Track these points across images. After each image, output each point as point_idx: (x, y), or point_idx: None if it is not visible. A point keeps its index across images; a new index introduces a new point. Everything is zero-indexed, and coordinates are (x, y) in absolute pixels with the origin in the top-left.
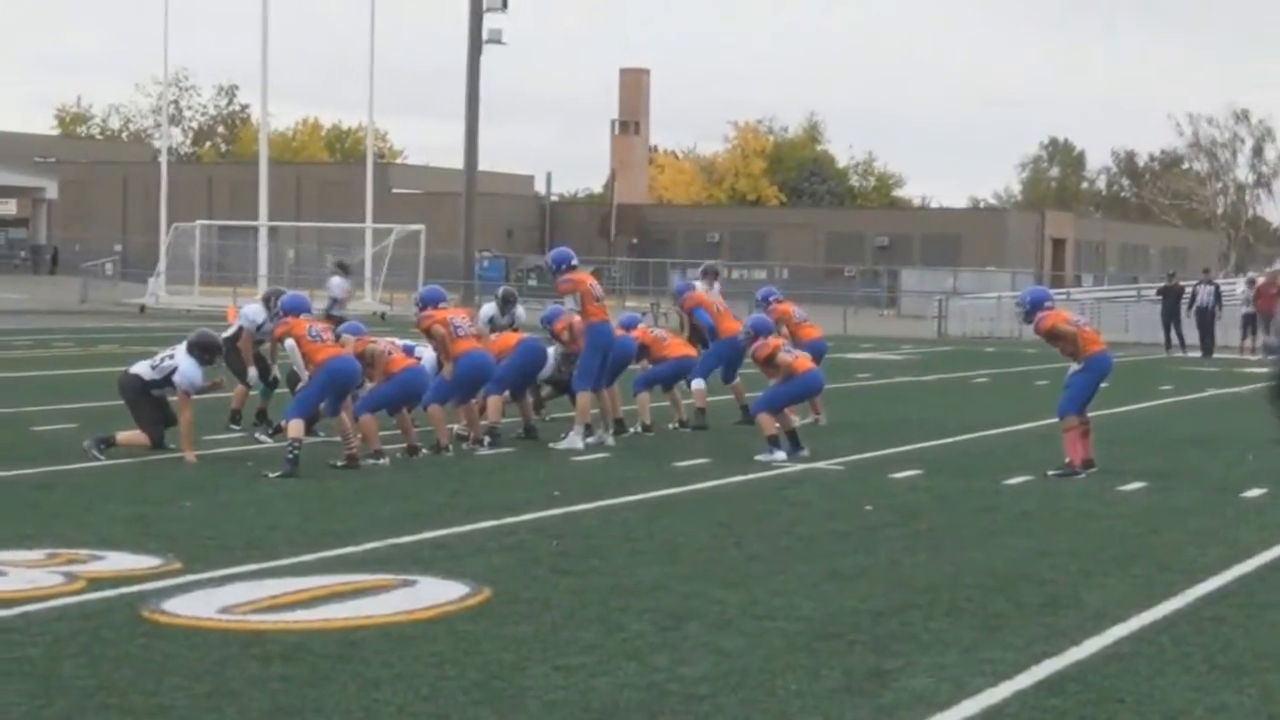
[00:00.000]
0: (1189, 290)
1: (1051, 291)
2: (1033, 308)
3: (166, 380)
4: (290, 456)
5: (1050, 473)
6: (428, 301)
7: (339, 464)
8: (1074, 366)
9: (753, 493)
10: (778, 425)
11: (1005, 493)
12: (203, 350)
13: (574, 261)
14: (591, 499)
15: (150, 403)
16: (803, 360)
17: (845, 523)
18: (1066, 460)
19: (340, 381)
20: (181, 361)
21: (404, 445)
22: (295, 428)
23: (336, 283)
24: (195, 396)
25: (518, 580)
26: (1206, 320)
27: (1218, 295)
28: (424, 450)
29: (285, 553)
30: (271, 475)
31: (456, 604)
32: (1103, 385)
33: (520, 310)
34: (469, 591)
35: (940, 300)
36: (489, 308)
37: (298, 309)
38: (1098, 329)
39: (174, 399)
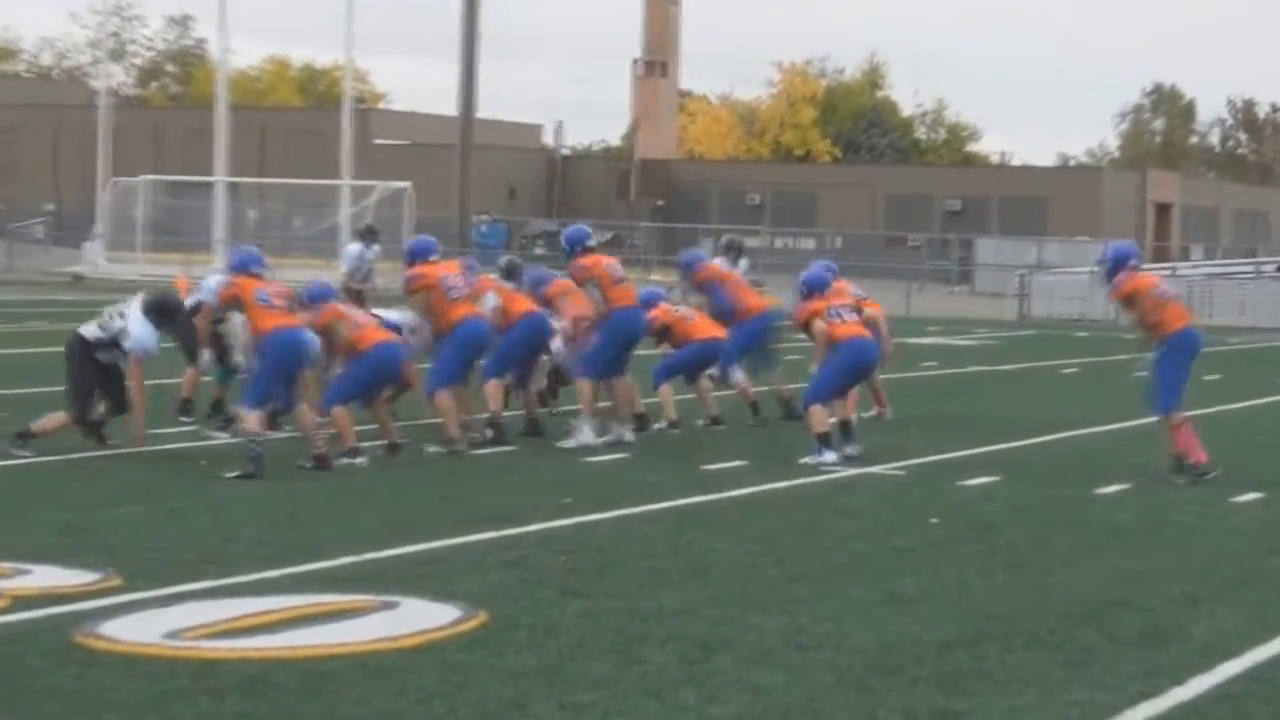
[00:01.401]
0: None
1: (1139, 250)
2: (1115, 265)
3: (114, 343)
4: (252, 454)
5: (1181, 479)
6: (417, 255)
7: (307, 465)
8: (1149, 355)
9: (797, 501)
10: (832, 420)
11: (1097, 504)
12: (160, 313)
13: (590, 243)
14: (607, 507)
15: (92, 370)
16: (846, 326)
17: (907, 537)
18: (1192, 461)
19: (288, 359)
20: (133, 324)
21: (383, 441)
22: (252, 420)
23: (352, 251)
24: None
25: (519, 602)
26: None
27: None
28: (432, 448)
29: (244, 568)
30: (228, 475)
31: (447, 630)
32: (1207, 376)
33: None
34: (461, 615)
35: (1022, 275)
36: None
37: (247, 264)
38: (1190, 306)
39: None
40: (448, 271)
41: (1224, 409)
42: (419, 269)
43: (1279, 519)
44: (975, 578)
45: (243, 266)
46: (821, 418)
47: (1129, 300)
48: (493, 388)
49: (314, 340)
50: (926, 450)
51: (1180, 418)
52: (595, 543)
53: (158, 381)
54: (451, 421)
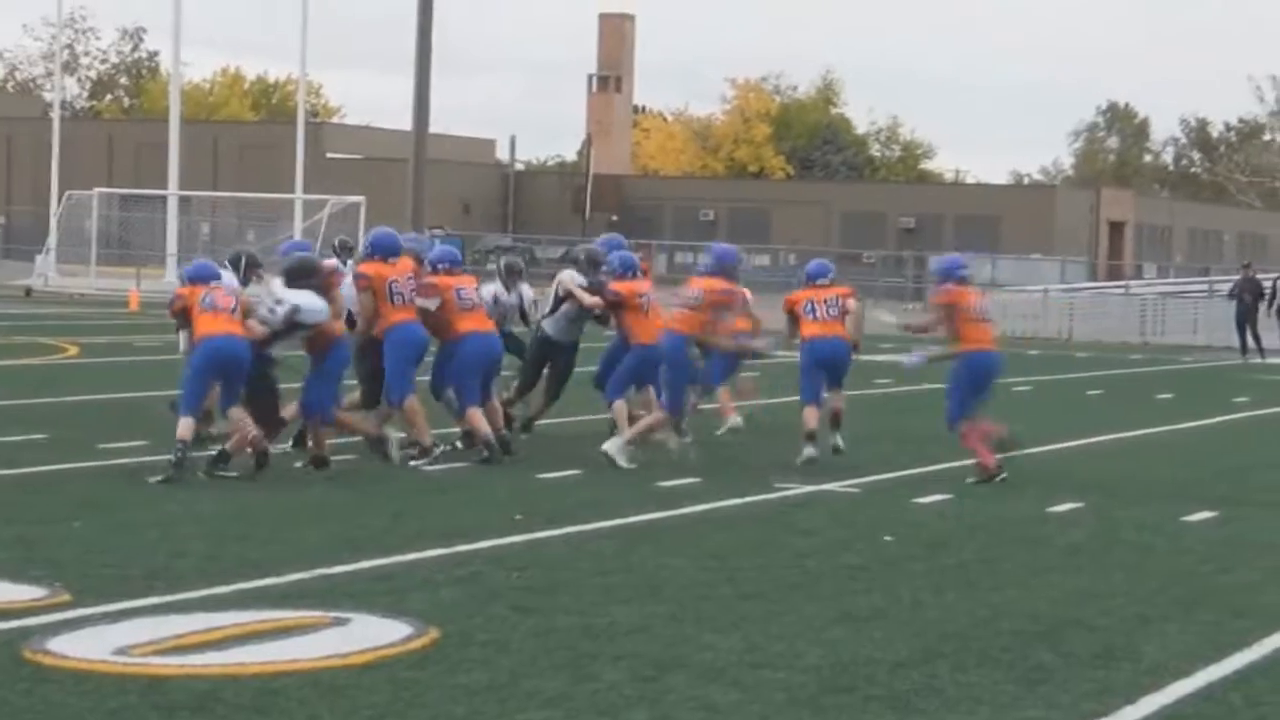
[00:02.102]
0: (1269, 285)
1: (965, 263)
2: (944, 276)
3: (292, 327)
4: (173, 459)
5: (970, 480)
6: (375, 251)
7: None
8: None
9: (751, 518)
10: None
11: (1050, 522)
12: (305, 275)
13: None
14: (559, 524)
15: (262, 378)
16: (811, 325)
17: (860, 555)
18: (982, 465)
19: (218, 364)
20: (293, 297)
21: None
22: (182, 426)
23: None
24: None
25: (471, 619)
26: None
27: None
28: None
29: (194, 584)
30: (153, 480)
31: (398, 647)
32: (1160, 395)
33: (526, 288)
34: (413, 632)
35: None
36: (490, 288)
37: (199, 277)
38: (995, 325)
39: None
40: (398, 275)
41: (1176, 428)
42: (367, 267)
43: (1231, 538)
44: (928, 596)
45: (195, 278)
46: (808, 416)
47: (945, 311)
48: (472, 413)
49: (245, 348)
50: (880, 468)
51: (965, 426)
52: (547, 559)
53: (145, 393)
54: (421, 429)
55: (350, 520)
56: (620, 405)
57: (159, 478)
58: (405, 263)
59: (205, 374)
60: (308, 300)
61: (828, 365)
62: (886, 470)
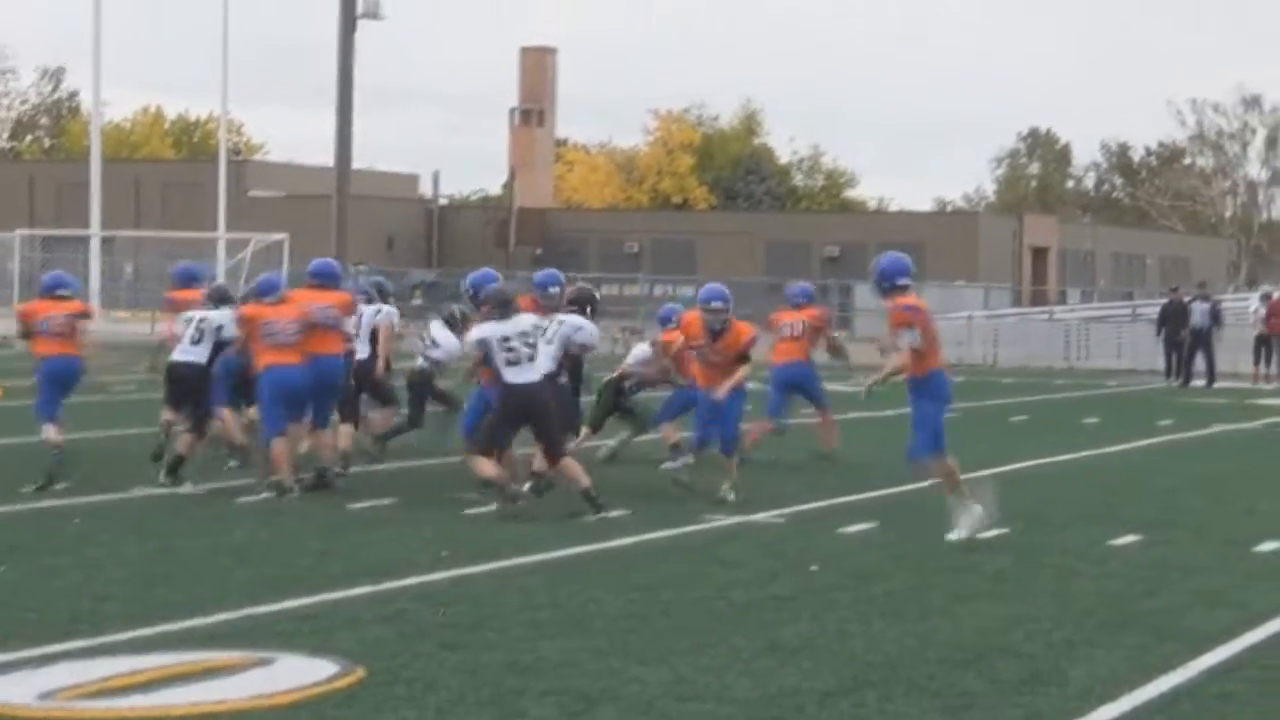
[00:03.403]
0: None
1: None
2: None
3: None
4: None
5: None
6: (259, 294)
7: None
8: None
9: (678, 551)
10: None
11: (976, 549)
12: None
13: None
14: (485, 560)
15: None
16: (782, 345)
17: (787, 586)
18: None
19: (54, 380)
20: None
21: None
22: (49, 431)
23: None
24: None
25: (397, 657)
26: (1203, 343)
27: (1215, 314)
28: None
29: (119, 626)
30: (25, 490)
31: (324, 686)
32: (1086, 419)
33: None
34: (339, 671)
35: None
36: (436, 326)
37: (46, 288)
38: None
39: None
40: (275, 316)
41: (1102, 452)
42: (247, 309)
43: (1157, 561)
44: (855, 625)
45: (45, 290)
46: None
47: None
48: (344, 431)
49: (75, 364)
50: (806, 497)
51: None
52: (473, 595)
53: (70, 436)
54: (285, 466)
55: (275, 559)
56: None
57: (32, 487)
58: (287, 306)
59: (44, 388)
60: (447, 338)
61: (790, 384)
62: (813, 500)
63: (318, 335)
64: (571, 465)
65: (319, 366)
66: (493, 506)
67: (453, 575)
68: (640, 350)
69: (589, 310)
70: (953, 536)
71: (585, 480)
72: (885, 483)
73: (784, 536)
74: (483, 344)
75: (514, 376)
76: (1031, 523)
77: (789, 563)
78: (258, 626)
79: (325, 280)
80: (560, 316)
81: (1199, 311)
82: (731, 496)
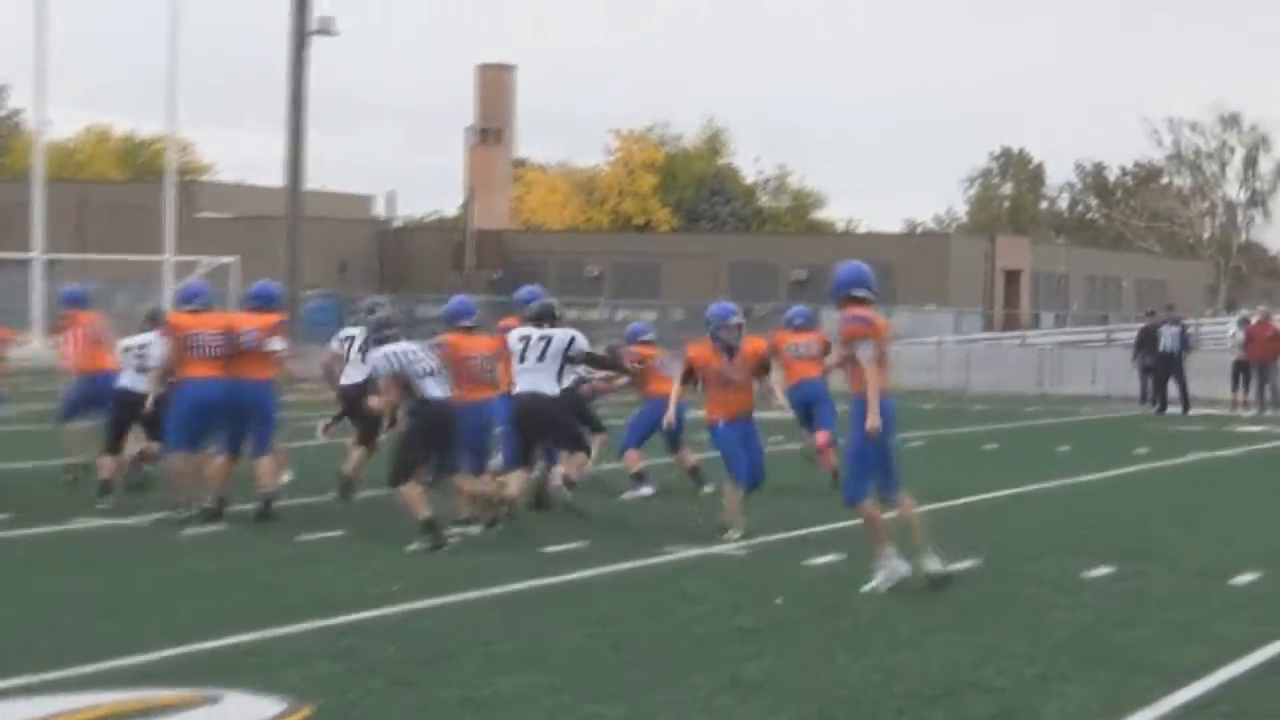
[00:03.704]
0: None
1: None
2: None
3: None
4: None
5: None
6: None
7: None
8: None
9: (638, 584)
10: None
11: (947, 580)
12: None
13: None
14: (438, 593)
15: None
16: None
17: (750, 619)
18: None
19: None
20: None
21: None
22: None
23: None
24: None
25: (347, 694)
26: (1174, 368)
27: (1184, 338)
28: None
29: (60, 662)
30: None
31: None
32: (1059, 447)
33: None
34: (286, 709)
35: None
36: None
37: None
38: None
39: None
40: (200, 326)
41: (1075, 481)
42: (174, 317)
43: (1131, 593)
44: (819, 660)
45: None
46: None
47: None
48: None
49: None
50: (771, 528)
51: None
52: (426, 630)
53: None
54: (186, 484)
55: (221, 593)
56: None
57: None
58: (212, 317)
59: None
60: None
61: (805, 404)
62: (776, 531)
63: (241, 358)
64: (411, 492)
65: (239, 389)
66: (452, 537)
67: (405, 609)
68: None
69: (552, 325)
70: (867, 589)
71: (425, 513)
72: (851, 513)
73: (747, 568)
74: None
75: (429, 392)
76: (1002, 553)
77: (752, 595)
78: (203, 662)
79: (263, 303)
80: (544, 332)
81: (1168, 335)
82: (737, 536)
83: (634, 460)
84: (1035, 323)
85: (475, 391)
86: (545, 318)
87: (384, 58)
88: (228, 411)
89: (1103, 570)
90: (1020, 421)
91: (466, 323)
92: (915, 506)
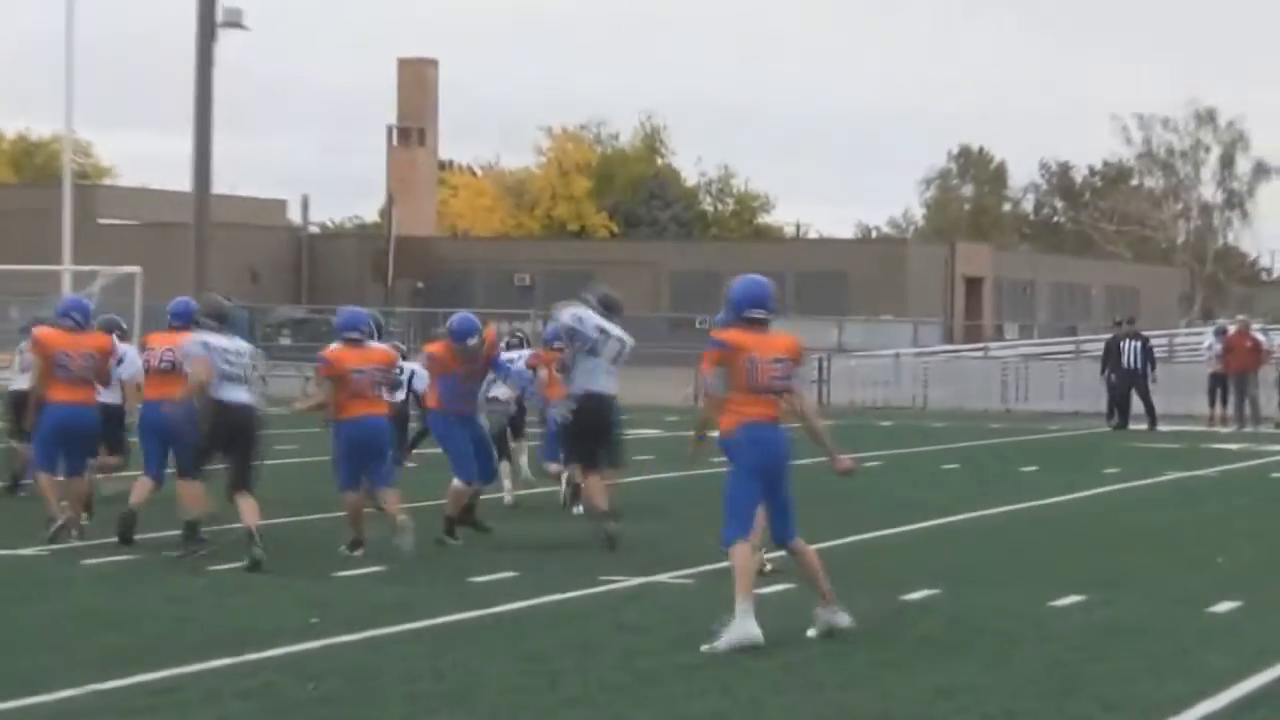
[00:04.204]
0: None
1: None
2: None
3: None
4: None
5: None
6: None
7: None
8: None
9: (575, 616)
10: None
11: (903, 611)
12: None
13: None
14: (359, 627)
15: None
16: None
17: (695, 654)
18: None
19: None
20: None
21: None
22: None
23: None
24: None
25: None
26: (1135, 383)
27: (1147, 352)
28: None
29: None
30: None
31: None
32: (1023, 467)
33: None
34: None
35: (820, 359)
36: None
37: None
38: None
39: None
40: (61, 347)
41: (1042, 504)
42: (40, 331)
43: (1102, 623)
44: (770, 696)
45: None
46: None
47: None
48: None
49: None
50: (713, 557)
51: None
52: (347, 667)
53: None
54: (51, 503)
55: (126, 628)
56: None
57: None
58: (96, 336)
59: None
60: None
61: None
62: (721, 559)
63: (163, 378)
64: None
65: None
66: (371, 569)
67: (324, 644)
68: None
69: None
70: (706, 648)
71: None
72: (811, 539)
73: (692, 599)
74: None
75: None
76: (965, 582)
77: (698, 628)
78: (108, 703)
79: (185, 322)
80: (619, 333)
81: (1129, 349)
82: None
83: (558, 469)
84: (998, 334)
85: (359, 407)
86: (614, 308)
87: (298, 53)
88: (156, 434)
89: (1071, 599)
90: (983, 440)
91: (353, 335)
92: (812, 551)
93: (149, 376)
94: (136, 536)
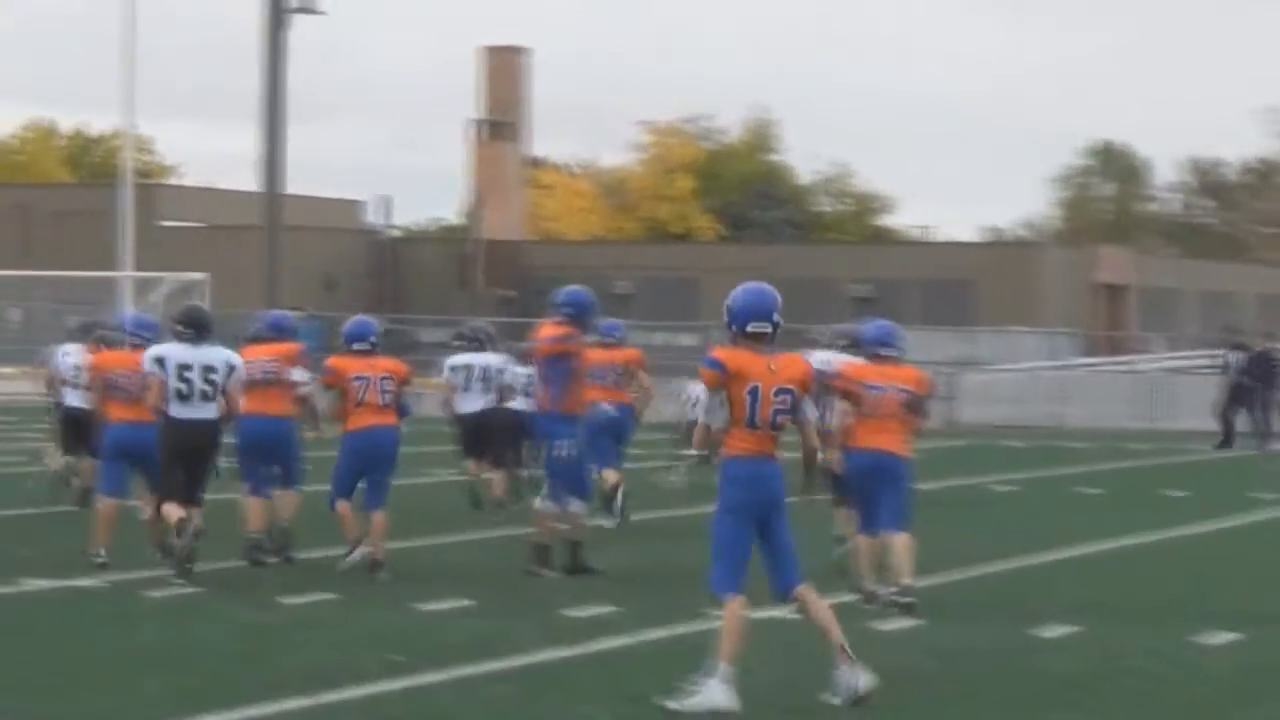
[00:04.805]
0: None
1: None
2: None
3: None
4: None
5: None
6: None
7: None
8: None
9: (680, 655)
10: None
11: (1041, 649)
12: None
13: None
14: (446, 666)
15: None
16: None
17: (809, 697)
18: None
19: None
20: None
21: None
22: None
23: None
24: None
25: None
26: (1245, 399)
27: (1267, 365)
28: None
29: None
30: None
31: None
32: (1172, 493)
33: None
34: None
35: (947, 375)
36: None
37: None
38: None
39: None
40: (118, 365)
41: (1189, 533)
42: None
43: (1255, 664)
44: None
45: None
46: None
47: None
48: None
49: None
50: (834, 586)
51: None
52: (433, 710)
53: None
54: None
55: (191, 666)
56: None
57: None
58: (125, 355)
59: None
60: None
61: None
62: (842, 589)
63: (260, 391)
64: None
65: (263, 425)
66: (455, 602)
67: (406, 685)
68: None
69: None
70: (672, 704)
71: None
72: (936, 568)
73: (808, 633)
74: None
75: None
76: (1107, 617)
77: (810, 665)
78: None
79: (283, 334)
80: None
81: (1236, 363)
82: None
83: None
84: (1142, 346)
85: (366, 418)
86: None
87: (375, 40)
88: (258, 451)
89: (1223, 637)
90: (1125, 462)
91: (360, 346)
92: (822, 601)
93: (249, 389)
94: (195, 569)
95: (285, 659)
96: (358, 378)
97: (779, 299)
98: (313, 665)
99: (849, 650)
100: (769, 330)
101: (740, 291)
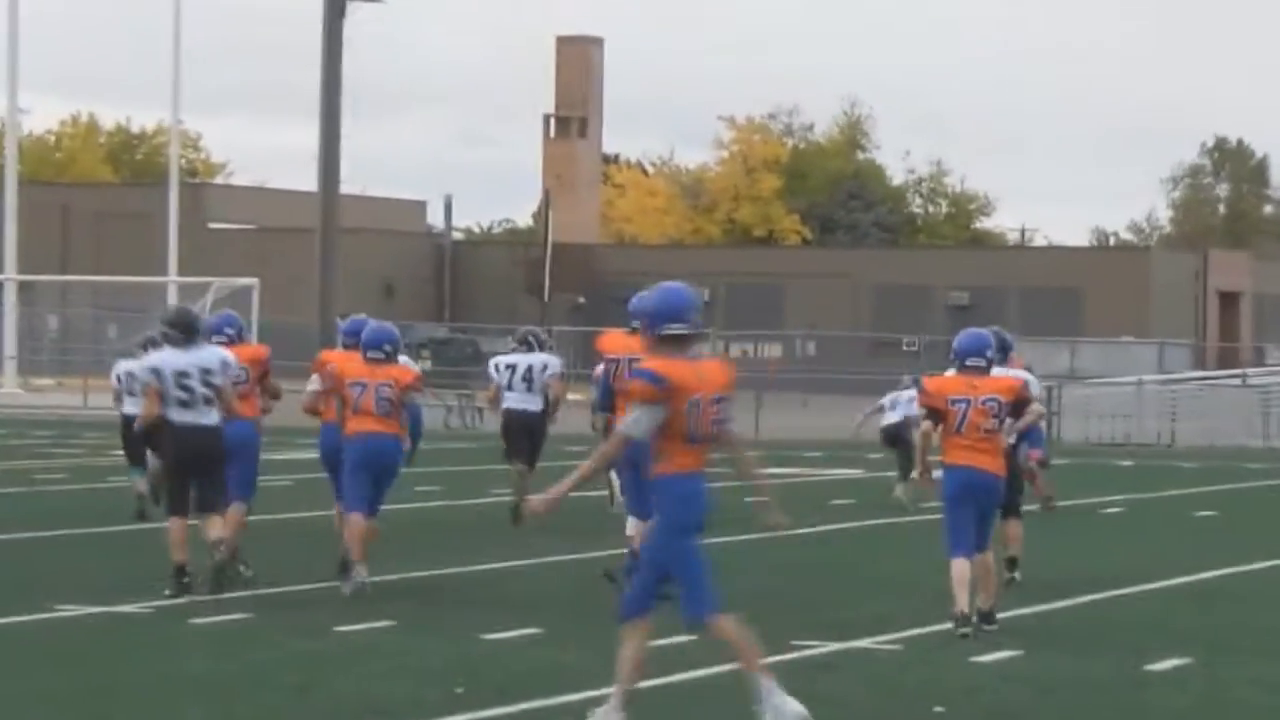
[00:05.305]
0: None
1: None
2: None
3: None
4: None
5: None
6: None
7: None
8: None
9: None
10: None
11: (1150, 683)
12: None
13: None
14: (512, 699)
15: None
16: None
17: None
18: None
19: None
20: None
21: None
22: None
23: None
24: None
25: None
26: None
27: None
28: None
29: None
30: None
31: None
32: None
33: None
34: None
35: (1051, 388)
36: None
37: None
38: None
39: None
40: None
41: None
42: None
43: None
44: None
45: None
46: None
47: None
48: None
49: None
50: (927, 617)
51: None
52: None
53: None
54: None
55: (241, 697)
56: None
57: None
58: (249, 348)
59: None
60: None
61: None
62: (934, 622)
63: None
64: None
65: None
66: (522, 630)
67: (468, 718)
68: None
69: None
70: None
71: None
72: (1031, 598)
73: (900, 668)
74: None
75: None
76: (1219, 650)
77: (906, 701)
78: None
79: (358, 340)
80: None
81: None
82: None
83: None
84: (1259, 358)
85: (366, 424)
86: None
87: (439, 31)
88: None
89: None
90: (1240, 482)
91: (374, 355)
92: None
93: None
94: (245, 593)
95: (340, 689)
96: (355, 384)
97: (697, 299)
98: (369, 697)
99: (770, 676)
100: (687, 333)
101: (656, 292)
